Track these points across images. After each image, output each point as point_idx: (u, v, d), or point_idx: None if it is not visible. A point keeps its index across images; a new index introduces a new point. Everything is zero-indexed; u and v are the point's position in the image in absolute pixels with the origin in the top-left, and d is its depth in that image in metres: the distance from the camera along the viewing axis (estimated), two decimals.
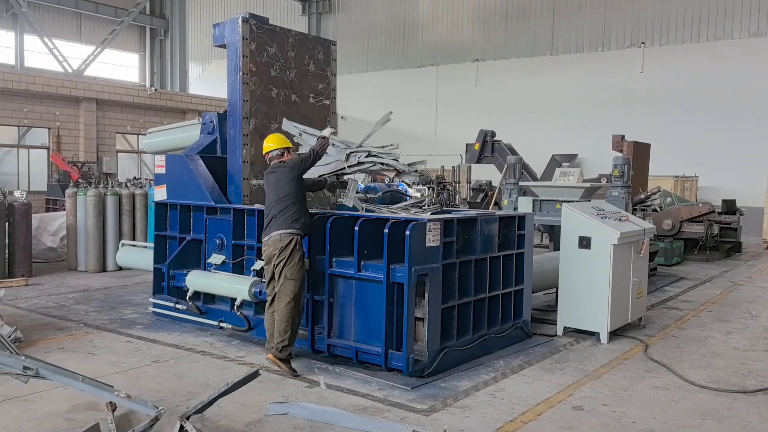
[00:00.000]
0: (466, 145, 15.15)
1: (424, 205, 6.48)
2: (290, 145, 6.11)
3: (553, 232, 9.53)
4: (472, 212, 6.58)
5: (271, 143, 6.00)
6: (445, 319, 5.71)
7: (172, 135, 8.82)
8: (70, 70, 26.81)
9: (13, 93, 18.91)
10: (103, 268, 10.80)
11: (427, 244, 5.46)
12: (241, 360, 5.96)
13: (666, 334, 7.29)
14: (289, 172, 5.73)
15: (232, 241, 6.94)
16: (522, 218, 6.75)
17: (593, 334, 6.88)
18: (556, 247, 8.15)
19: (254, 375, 3.81)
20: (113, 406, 4.21)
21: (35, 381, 5.16)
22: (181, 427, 3.51)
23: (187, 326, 7.12)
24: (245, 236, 6.94)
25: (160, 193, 7.65)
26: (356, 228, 5.62)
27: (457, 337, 5.87)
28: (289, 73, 7.46)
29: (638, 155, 13.32)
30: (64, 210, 11.51)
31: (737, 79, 20.74)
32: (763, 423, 4.67)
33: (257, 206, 6.89)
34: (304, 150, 6.43)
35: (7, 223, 9.92)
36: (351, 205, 6.28)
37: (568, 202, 7.62)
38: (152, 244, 7.87)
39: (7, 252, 9.92)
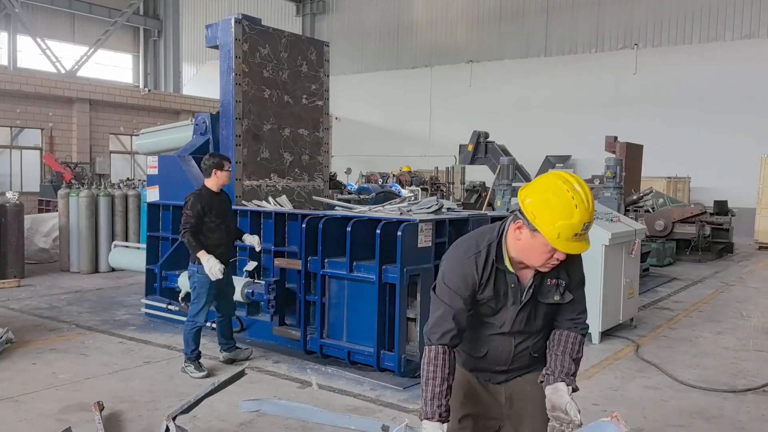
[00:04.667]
0: (460, 146, 15.18)
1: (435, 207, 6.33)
2: None
3: None
4: (464, 213, 6.59)
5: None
6: None
7: (165, 136, 8.83)
8: (63, 71, 26.71)
9: (5, 93, 18.85)
10: (95, 269, 10.77)
11: (419, 245, 5.48)
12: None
13: (657, 334, 7.32)
14: None
15: None
16: None
17: None
18: None
19: (240, 374, 3.81)
20: (101, 406, 4.22)
21: (27, 381, 5.16)
22: (168, 427, 3.52)
23: (179, 327, 7.07)
24: None
25: (152, 194, 7.64)
26: (348, 229, 5.63)
27: None
28: (281, 74, 7.47)
29: (631, 156, 13.37)
30: (57, 211, 11.48)
31: (730, 81, 20.83)
32: (752, 422, 4.71)
33: (250, 207, 6.90)
34: None
35: None
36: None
37: None
38: (145, 245, 7.86)
39: None
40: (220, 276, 5.39)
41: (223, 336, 5.93)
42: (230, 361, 5.90)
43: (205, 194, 5.59)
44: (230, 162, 5.76)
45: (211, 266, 5.36)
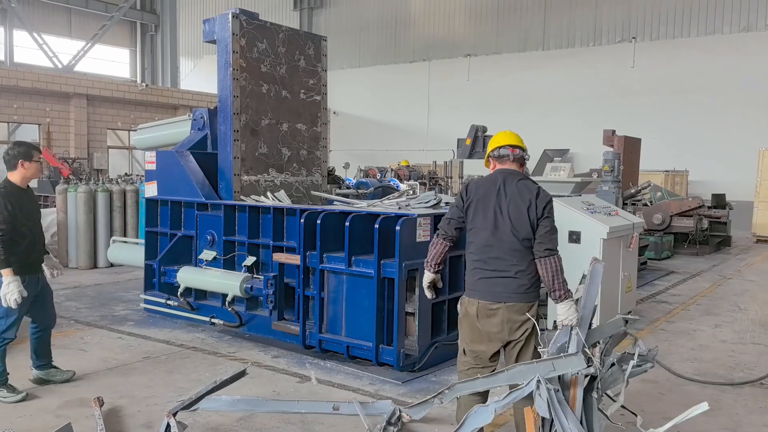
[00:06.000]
0: (458, 140, 15.12)
1: (433, 201, 6.35)
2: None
3: None
4: None
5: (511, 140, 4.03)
6: (436, 314, 5.74)
7: (163, 131, 8.81)
8: (60, 66, 26.64)
9: (2, 89, 18.80)
10: (94, 265, 10.77)
11: (418, 239, 5.49)
12: (232, 356, 5.97)
13: (655, 327, 7.34)
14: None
15: (224, 237, 6.94)
16: None
17: None
18: None
19: (241, 374, 3.83)
20: (100, 402, 4.23)
21: (26, 377, 5.16)
22: (168, 423, 3.53)
23: (178, 322, 7.12)
24: (236, 232, 6.94)
25: (150, 190, 7.64)
26: (347, 223, 5.64)
27: (447, 331, 5.89)
28: (279, 68, 7.46)
29: (629, 150, 13.37)
30: (55, 207, 11.46)
31: (728, 74, 20.82)
32: (750, 415, 4.73)
33: (248, 202, 6.90)
34: None
35: None
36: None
37: (559, 196, 7.65)
38: (143, 241, 7.86)
39: None
40: (14, 306, 4.54)
41: (37, 351, 5.09)
42: (41, 382, 5.05)
43: (12, 191, 4.71)
44: (40, 152, 4.90)
45: (9, 292, 4.50)
